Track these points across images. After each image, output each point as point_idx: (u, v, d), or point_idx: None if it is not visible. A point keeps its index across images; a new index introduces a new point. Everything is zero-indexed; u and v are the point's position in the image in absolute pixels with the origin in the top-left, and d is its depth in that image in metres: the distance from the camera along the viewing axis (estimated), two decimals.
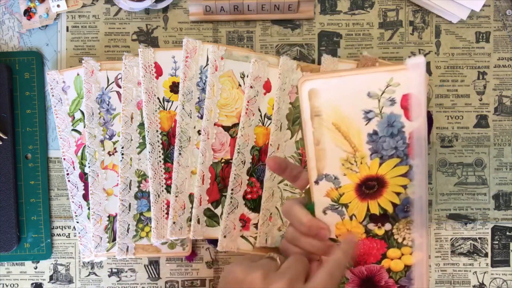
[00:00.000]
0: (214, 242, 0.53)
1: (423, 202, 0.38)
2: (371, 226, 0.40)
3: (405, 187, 0.38)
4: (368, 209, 0.39)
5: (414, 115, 0.36)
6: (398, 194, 0.38)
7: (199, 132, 0.53)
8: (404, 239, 0.39)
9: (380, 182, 0.38)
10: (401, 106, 0.36)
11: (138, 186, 0.53)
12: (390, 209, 0.39)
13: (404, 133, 0.36)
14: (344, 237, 0.39)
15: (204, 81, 0.52)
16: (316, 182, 0.39)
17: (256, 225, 0.53)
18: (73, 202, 0.54)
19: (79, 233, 0.55)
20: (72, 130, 0.54)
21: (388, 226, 0.39)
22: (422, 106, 0.35)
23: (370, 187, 0.39)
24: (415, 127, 0.36)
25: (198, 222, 0.52)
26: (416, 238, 0.39)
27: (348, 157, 0.38)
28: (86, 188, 0.54)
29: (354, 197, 0.39)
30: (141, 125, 0.53)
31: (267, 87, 0.53)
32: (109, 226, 0.54)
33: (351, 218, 0.40)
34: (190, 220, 0.52)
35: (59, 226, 0.56)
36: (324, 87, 0.37)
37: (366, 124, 0.37)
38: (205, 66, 0.52)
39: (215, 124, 0.52)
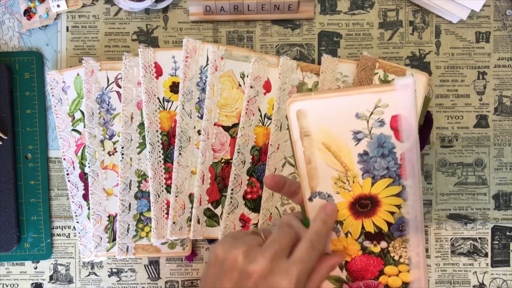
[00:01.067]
0: (214, 242, 0.53)
1: (418, 222, 0.37)
2: (367, 243, 0.40)
3: (399, 207, 0.38)
4: (363, 227, 0.40)
5: (404, 136, 0.35)
6: (392, 213, 0.38)
7: (199, 132, 0.53)
8: (400, 257, 0.39)
9: (374, 201, 0.38)
10: (390, 127, 0.35)
11: (138, 186, 0.53)
12: (385, 227, 0.39)
13: (395, 154, 0.36)
14: (323, 207, 0.39)
15: (204, 81, 0.52)
16: (310, 199, 0.39)
17: (256, 225, 0.53)
18: (73, 202, 0.54)
19: (79, 233, 0.55)
20: (72, 130, 0.54)
21: (384, 244, 0.39)
22: (412, 127, 0.35)
23: (363, 205, 0.39)
24: (406, 148, 0.35)
25: (198, 222, 0.52)
26: (413, 256, 0.39)
27: (340, 176, 0.38)
28: (86, 188, 0.54)
29: (348, 215, 0.39)
30: (141, 125, 0.53)
31: (267, 87, 0.53)
32: (109, 226, 0.54)
33: (346, 235, 0.40)
34: (190, 220, 0.52)
35: (59, 226, 0.56)
36: (311, 108, 0.37)
37: (356, 145, 0.37)
38: (205, 66, 0.52)
39: (215, 124, 0.52)
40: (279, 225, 0.39)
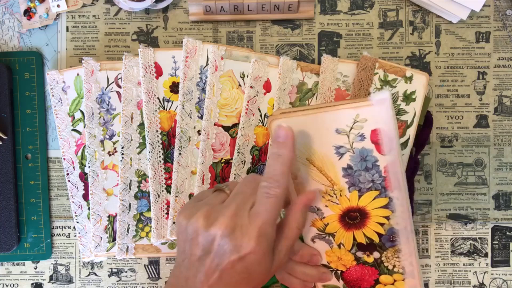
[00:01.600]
0: None
1: (408, 233, 0.37)
2: (360, 254, 0.40)
3: (387, 218, 0.38)
4: (354, 239, 0.40)
5: (386, 150, 0.35)
6: (381, 224, 0.38)
7: (199, 132, 0.53)
8: (394, 266, 0.39)
9: (362, 213, 0.38)
10: (371, 141, 0.36)
11: (138, 186, 0.53)
12: (376, 239, 0.39)
13: (378, 167, 0.36)
14: (274, 136, 0.37)
15: (204, 81, 0.52)
16: None
17: None
18: (73, 202, 0.54)
19: (79, 233, 0.55)
20: (72, 130, 0.54)
21: (376, 254, 0.40)
22: (393, 140, 0.35)
23: (352, 218, 0.39)
24: (389, 161, 0.36)
25: None
26: (406, 266, 0.39)
27: (327, 190, 0.39)
28: (86, 188, 0.54)
29: (339, 227, 0.40)
30: (141, 125, 0.53)
31: (267, 87, 0.53)
32: (109, 226, 0.54)
33: (339, 246, 0.40)
34: None
35: (59, 226, 0.56)
36: (292, 124, 0.37)
37: (339, 159, 0.37)
38: (205, 66, 0.52)
39: (215, 124, 0.52)
40: (244, 177, 0.38)
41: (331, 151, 0.37)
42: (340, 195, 0.38)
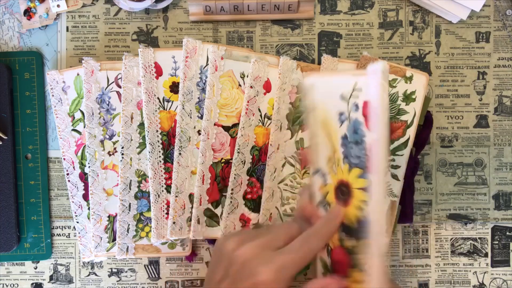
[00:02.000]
0: (214, 242, 0.53)
1: (378, 231, 0.34)
2: (343, 234, 0.38)
3: (365, 203, 0.35)
4: None
5: (371, 125, 0.34)
6: (360, 209, 0.36)
7: (199, 132, 0.53)
8: (365, 263, 0.35)
9: (349, 190, 0.37)
10: (362, 113, 0.35)
11: (138, 186, 0.53)
12: (354, 222, 0.36)
13: (365, 143, 0.35)
14: (331, 209, 0.39)
15: (204, 81, 0.52)
16: (314, 174, 0.40)
17: (256, 226, 0.53)
18: (73, 202, 0.54)
19: (79, 233, 0.55)
20: (72, 130, 0.54)
21: (353, 241, 0.37)
22: (379, 117, 0.33)
23: (343, 192, 0.38)
24: (373, 139, 0.34)
25: (198, 222, 0.52)
26: (371, 267, 0.34)
27: (330, 156, 0.38)
28: (86, 188, 0.54)
29: (334, 199, 0.39)
30: (141, 125, 0.53)
31: (267, 87, 0.53)
32: (109, 226, 0.54)
33: None
34: (190, 220, 0.52)
35: (59, 226, 0.56)
36: (318, 84, 0.38)
37: (340, 126, 0.37)
38: (205, 66, 0.52)
39: (215, 124, 0.52)
40: (287, 220, 0.40)
41: (336, 116, 0.37)
42: (337, 165, 0.38)
